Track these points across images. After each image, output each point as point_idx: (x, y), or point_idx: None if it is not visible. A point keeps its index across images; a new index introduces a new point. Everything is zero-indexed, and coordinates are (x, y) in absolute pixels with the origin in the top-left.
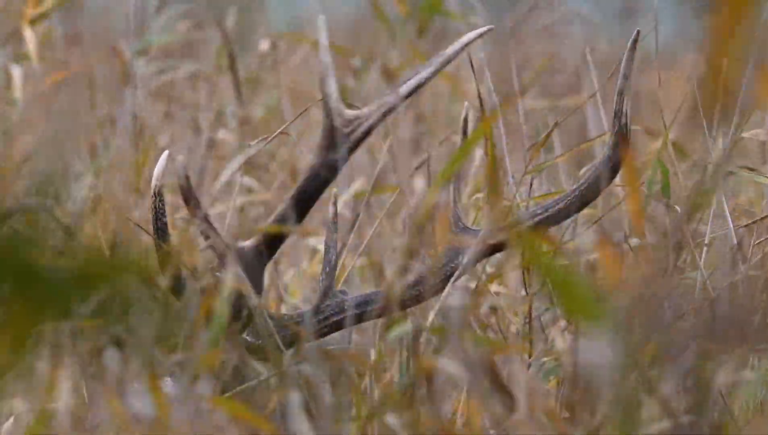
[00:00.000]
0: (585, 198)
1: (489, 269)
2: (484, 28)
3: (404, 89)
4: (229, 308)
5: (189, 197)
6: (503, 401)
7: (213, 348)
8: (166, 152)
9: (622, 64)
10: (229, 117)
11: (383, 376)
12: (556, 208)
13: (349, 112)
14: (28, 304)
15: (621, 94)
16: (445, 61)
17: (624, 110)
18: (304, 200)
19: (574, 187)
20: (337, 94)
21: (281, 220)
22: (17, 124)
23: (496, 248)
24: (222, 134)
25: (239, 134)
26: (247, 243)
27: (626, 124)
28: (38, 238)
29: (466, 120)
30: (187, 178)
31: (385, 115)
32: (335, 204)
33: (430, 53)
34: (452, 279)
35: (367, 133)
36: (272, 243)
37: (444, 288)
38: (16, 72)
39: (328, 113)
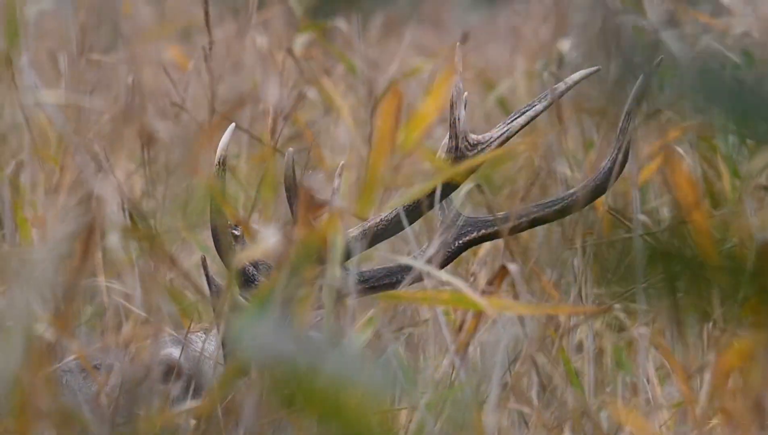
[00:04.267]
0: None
1: None
2: (593, 69)
3: (521, 120)
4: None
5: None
6: None
7: None
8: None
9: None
10: None
11: None
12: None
13: (473, 136)
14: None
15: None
16: (557, 96)
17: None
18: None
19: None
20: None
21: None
22: None
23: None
24: None
25: None
26: None
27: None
28: None
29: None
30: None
31: (503, 142)
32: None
33: None
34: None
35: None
36: None
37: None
38: None
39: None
